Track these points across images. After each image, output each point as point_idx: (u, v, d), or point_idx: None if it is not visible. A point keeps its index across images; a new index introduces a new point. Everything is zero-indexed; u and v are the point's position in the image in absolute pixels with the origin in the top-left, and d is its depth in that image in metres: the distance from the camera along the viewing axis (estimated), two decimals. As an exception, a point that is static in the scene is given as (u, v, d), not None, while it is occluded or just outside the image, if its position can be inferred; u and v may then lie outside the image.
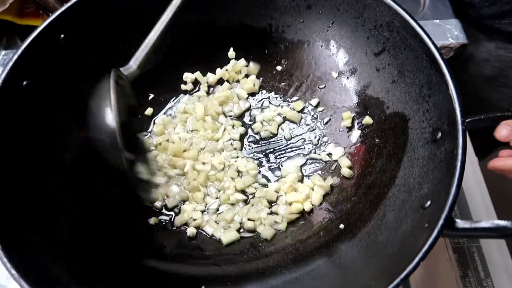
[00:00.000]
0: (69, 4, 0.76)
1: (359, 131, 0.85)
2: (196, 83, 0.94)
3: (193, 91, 0.94)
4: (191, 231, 0.79)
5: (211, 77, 0.93)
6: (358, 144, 0.84)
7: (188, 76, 0.93)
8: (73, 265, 0.66)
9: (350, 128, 0.86)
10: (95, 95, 0.72)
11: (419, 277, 0.80)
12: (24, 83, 0.72)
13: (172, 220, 0.81)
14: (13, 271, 0.56)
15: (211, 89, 0.94)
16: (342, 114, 0.87)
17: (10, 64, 0.70)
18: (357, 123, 0.86)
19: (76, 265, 0.67)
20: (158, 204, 0.82)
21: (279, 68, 0.93)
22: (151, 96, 0.93)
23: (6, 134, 0.69)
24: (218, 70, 0.94)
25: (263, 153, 0.88)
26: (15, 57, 0.70)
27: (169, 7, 0.78)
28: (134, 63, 0.78)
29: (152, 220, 0.80)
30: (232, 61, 0.93)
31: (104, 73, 0.73)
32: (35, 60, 0.73)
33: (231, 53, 0.94)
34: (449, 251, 0.82)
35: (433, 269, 0.81)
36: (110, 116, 0.69)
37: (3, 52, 1.05)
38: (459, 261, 0.84)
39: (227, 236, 0.78)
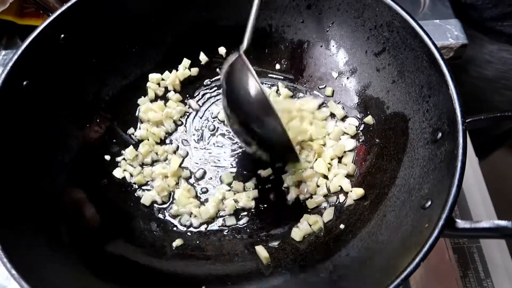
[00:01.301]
0: (69, 4, 0.76)
1: (354, 140, 0.84)
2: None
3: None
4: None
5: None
6: (358, 145, 0.84)
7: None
8: (73, 265, 0.66)
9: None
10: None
11: (419, 278, 0.80)
12: (24, 83, 0.72)
13: (171, 218, 0.81)
14: (13, 271, 0.56)
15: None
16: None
17: (10, 64, 0.70)
18: (356, 126, 0.86)
19: (76, 265, 0.67)
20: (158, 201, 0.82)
21: (278, 68, 0.93)
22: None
23: (6, 134, 0.69)
24: (217, 70, 0.94)
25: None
26: (15, 57, 0.70)
27: None
28: (246, 43, 0.77)
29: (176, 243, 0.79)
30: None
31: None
32: (35, 60, 0.73)
33: (222, 50, 0.94)
34: (449, 252, 0.82)
35: (433, 269, 0.81)
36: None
37: (3, 52, 1.05)
38: (459, 261, 0.84)
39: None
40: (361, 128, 0.85)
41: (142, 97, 0.91)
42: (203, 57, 0.93)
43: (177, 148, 0.88)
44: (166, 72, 0.92)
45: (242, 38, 0.89)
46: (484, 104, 1.30)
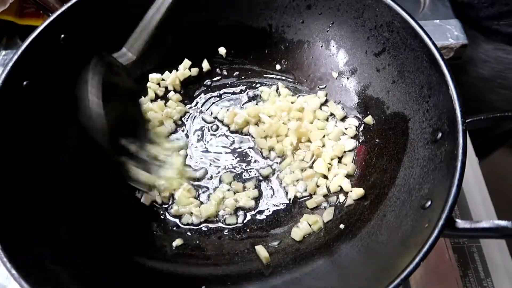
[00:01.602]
0: (69, 4, 0.76)
1: (354, 141, 0.85)
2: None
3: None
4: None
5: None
6: (358, 145, 0.84)
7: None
8: (73, 265, 0.66)
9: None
10: (81, 81, 0.69)
11: (419, 277, 0.80)
12: (24, 83, 0.72)
13: (171, 217, 0.82)
14: (13, 271, 0.56)
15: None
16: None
17: (10, 64, 0.70)
18: (356, 126, 0.86)
19: (76, 265, 0.67)
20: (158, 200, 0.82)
21: (279, 68, 0.93)
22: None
23: (6, 134, 0.69)
24: (217, 70, 0.94)
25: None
26: (15, 57, 0.70)
27: None
28: (129, 51, 0.75)
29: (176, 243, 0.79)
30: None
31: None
32: (35, 60, 0.73)
33: (222, 50, 0.94)
34: (449, 251, 0.82)
35: (433, 269, 0.81)
36: (92, 100, 0.66)
37: (3, 52, 1.05)
38: (459, 261, 0.84)
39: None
40: (361, 128, 0.85)
41: (143, 97, 0.91)
42: (205, 65, 0.94)
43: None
44: (166, 72, 0.92)
45: (242, 38, 0.90)
46: (481, 104, 1.30)
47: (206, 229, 0.80)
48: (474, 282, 0.82)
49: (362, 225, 0.73)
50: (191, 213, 0.80)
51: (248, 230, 0.80)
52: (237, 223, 0.80)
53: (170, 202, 0.82)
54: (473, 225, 0.57)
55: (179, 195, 0.81)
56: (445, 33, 1.02)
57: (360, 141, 0.84)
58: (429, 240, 0.55)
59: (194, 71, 0.93)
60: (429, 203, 0.63)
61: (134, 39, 0.75)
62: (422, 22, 0.72)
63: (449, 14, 1.06)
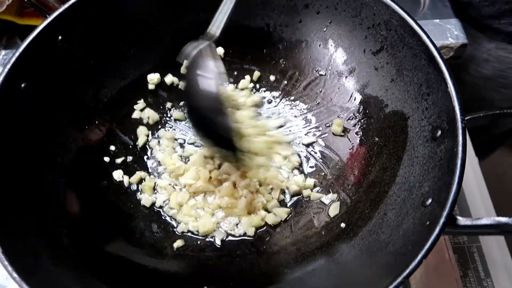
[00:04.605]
0: (66, 5, 0.76)
1: (355, 135, 0.85)
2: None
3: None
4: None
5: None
6: (358, 144, 0.84)
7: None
8: (73, 267, 0.66)
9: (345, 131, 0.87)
10: (195, 64, 0.71)
11: (419, 277, 0.80)
12: (23, 85, 0.72)
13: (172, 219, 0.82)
14: (15, 274, 0.56)
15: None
16: (333, 120, 0.87)
17: (8, 66, 0.69)
18: (355, 125, 0.86)
19: (76, 267, 0.66)
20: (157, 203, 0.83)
21: (277, 68, 0.93)
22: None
23: (5, 136, 0.69)
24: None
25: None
26: (13, 59, 0.70)
27: None
28: (216, 31, 0.76)
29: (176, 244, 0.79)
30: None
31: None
32: (33, 62, 0.73)
33: (220, 50, 0.93)
34: (449, 251, 0.82)
35: (433, 269, 0.81)
36: (212, 82, 0.69)
37: (3, 52, 1.05)
38: (459, 261, 0.83)
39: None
40: (360, 128, 0.85)
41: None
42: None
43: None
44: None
45: (240, 38, 0.90)
46: (483, 103, 1.31)
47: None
48: (474, 282, 0.82)
49: (363, 223, 0.73)
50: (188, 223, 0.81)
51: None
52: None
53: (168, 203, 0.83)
54: (474, 222, 0.58)
55: (186, 209, 0.81)
56: (445, 33, 1.03)
57: (359, 140, 0.84)
58: (431, 237, 0.55)
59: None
60: (429, 200, 0.62)
61: (220, 21, 0.76)
62: (422, 22, 0.73)
63: (449, 14, 1.07)
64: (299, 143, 0.89)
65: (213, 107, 0.70)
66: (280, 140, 0.88)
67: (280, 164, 0.86)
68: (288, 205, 0.82)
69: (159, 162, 0.87)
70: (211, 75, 0.70)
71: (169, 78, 0.92)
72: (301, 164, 0.87)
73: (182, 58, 0.73)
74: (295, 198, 0.83)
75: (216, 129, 0.72)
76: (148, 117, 0.90)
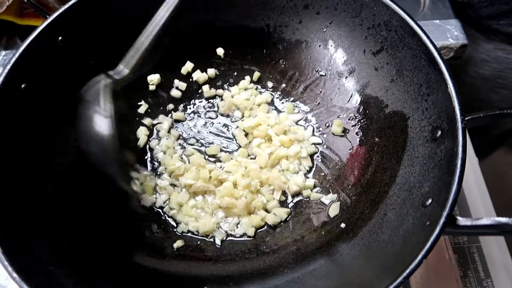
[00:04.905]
0: (66, 6, 0.76)
1: (355, 136, 0.85)
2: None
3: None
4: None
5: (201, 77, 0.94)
6: (358, 144, 0.84)
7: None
8: (73, 267, 0.66)
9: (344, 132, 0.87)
10: (85, 101, 0.71)
11: (419, 277, 0.80)
12: (22, 86, 0.72)
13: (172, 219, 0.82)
14: (15, 275, 0.56)
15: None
16: (333, 121, 0.87)
17: (8, 66, 0.69)
18: (355, 125, 0.86)
19: (76, 267, 0.66)
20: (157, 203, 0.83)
21: (277, 68, 0.93)
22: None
23: (5, 137, 0.69)
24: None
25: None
26: (13, 59, 0.70)
27: (162, 7, 0.77)
28: (126, 67, 0.77)
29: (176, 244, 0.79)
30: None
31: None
32: (33, 62, 0.73)
33: (220, 51, 0.94)
34: (449, 251, 0.82)
35: (433, 269, 0.81)
36: (103, 124, 0.69)
37: (3, 53, 1.05)
38: (459, 261, 0.83)
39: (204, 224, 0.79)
40: (360, 128, 0.85)
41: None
42: (211, 72, 0.94)
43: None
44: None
45: (240, 38, 0.89)
46: (482, 103, 1.31)
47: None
48: (474, 282, 0.82)
49: (363, 224, 0.73)
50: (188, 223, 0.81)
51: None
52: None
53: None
54: (474, 222, 0.58)
55: (186, 208, 0.82)
56: (445, 33, 1.03)
57: (359, 140, 0.84)
58: (431, 237, 0.55)
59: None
60: (429, 201, 0.62)
61: (131, 56, 0.76)
62: (422, 22, 0.73)
63: (449, 14, 1.07)
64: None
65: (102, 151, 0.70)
66: (300, 138, 0.88)
67: (287, 166, 0.85)
68: (289, 206, 0.82)
69: (159, 162, 0.87)
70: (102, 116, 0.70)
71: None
72: (310, 170, 0.86)
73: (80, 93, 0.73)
74: (296, 199, 0.83)
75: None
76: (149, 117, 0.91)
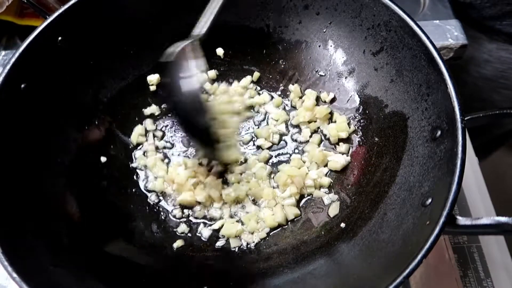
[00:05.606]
0: (66, 6, 0.76)
1: (348, 145, 0.85)
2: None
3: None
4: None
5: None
6: (358, 144, 0.84)
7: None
8: (73, 268, 0.66)
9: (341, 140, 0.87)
10: (176, 64, 0.71)
11: (419, 277, 0.80)
12: (22, 86, 0.72)
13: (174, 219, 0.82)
14: (15, 275, 0.56)
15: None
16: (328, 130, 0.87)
17: (8, 66, 0.70)
18: (355, 125, 0.86)
19: (76, 267, 0.66)
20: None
21: (277, 68, 0.93)
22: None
23: (5, 137, 0.69)
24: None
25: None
26: (13, 59, 0.70)
27: None
28: (201, 31, 0.76)
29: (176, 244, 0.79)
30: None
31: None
32: (33, 63, 0.73)
33: (220, 51, 0.94)
34: (449, 251, 0.82)
35: (433, 269, 0.81)
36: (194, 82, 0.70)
37: (3, 53, 1.05)
38: (459, 261, 0.83)
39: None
40: (360, 128, 0.85)
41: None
42: (211, 74, 0.94)
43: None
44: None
45: (239, 39, 0.90)
46: (484, 104, 1.31)
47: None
48: (474, 282, 0.82)
49: (363, 223, 0.73)
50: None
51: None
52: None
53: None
54: (474, 221, 0.58)
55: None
56: (445, 33, 1.03)
57: (359, 140, 0.84)
58: (431, 237, 0.55)
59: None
60: (429, 200, 0.63)
61: (204, 22, 0.76)
62: (422, 23, 0.73)
63: (449, 15, 1.07)
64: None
65: (193, 107, 0.71)
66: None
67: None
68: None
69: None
70: (191, 75, 0.70)
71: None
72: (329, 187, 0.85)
73: (164, 58, 0.73)
74: (303, 200, 0.83)
75: (196, 126, 0.73)
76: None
